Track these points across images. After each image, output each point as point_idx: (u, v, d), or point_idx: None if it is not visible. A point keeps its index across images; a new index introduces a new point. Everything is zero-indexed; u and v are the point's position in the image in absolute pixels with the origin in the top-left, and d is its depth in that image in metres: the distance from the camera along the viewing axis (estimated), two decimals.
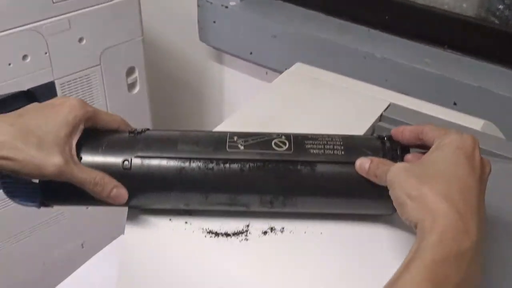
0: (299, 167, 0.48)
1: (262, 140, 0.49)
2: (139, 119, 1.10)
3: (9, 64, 0.87)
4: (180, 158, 0.48)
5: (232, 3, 1.12)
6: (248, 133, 0.50)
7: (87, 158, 0.48)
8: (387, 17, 1.04)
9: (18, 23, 0.86)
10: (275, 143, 0.49)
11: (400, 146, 0.49)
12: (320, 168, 0.48)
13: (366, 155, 0.48)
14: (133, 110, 1.07)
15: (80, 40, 0.94)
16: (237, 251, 0.48)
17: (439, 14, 0.99)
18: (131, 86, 1.05)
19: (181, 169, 0.48)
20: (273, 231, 0.50)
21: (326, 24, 1.07)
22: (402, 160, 0.48)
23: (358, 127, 0.61)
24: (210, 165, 0.48)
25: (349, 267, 0.47)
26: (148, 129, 0.51)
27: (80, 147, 0.48)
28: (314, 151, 0.48)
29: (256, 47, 1.12)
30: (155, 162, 0.48)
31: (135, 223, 0.51)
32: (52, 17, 0.89)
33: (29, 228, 1.02)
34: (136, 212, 0.52)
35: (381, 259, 0.48)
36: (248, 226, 0.50)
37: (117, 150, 0.48)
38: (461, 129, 0.61)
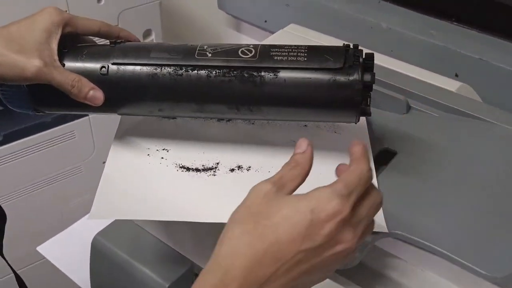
0: (262, 73, 0.50)
1: (230, 49, 0.52)
2: None
3: None
4: (152, 65, 0.52)
5: None
6: (218, 44, 0.53)
7: (69, 64, 0.53)
8: None
9: None
10: (242, 51, 0.52)
11: (364, 54, 0.50)
12: (283, 74, 0.50)
13: (327, 61, 0.49)
14: None
15: (99, 0, 0.99)
16: (204, 184, 0.52)
17: None
18: None
19: (153, 74, 0.52)
20: (240, 169, 0.54)
21: None
22: (364, 69, 0.49)
23: None
24: (180, 71, 0.52)
25: None
26: (127, 41, 0.56)
27: (62, 55, 0.53)
28: (278, 58, 0.50)
29: (271, 15, 1.15)
30: (129, 68, 0.53)
31: (118, 152, 0.56)
32: None
33: (48, 178, 1.10)
34: (119, 147, 0.57)
35: None
36: (217, 163, 0.55)
37: (96, 58, 0.53)
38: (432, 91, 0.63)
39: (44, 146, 1.06)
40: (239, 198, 0.43)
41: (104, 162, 1.17)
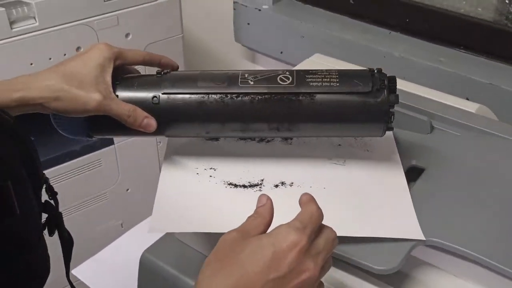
0: (300, 97, 0.56)
1: (269, 76, 0.58)
2: None
3: (64, 55, 0.99)
4: (199, 93, 0.57)
5: (264, 6, 1.22)
6: (257, 71, 0.59)
7: (122, 95, 0.58)
8: (407, 20, 1.11)
9: (74, 18, 0.98)
10: (280, 78, 0.57)
11: (387, 77, 0.57)
12: (319, 97, 0.56)
13: (357, 85, 0.56)
14: None
15: (127, 35, 1.05)
16: (251, 199, 0.57)
17: (455, 17, 1.06)
18: None
19: (201, 102, 0.57)
20: (283, 185, 0.59)
21: (350, 26, 1.15)
22: (389, 90, 0.56)
23: None
24: (226, 98, 0.57)
25: (347, 215, 0.55)
26: (171, 70, 0.61)
27: (115, 87, 0.58)
28: (314, 84, 0.56)
29: (286, 46, 1.21)
30: (179, 97, 0.58)
31: (169, 171, 0.61)
32: (102, 14, 1.01)
33: (74, 205, 1.14)
34: (169, 167, 0.61)
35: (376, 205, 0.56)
36: (262, 180, 0.59)
37: (147, 88, 0.58)
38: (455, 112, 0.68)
39: (73, 174, 1.11)
40: (285, 212, 0.47)
41: (128, 190, 1.22)
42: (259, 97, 0.57)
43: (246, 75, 0.58)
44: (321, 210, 0.46)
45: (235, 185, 0.59)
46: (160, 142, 1.21)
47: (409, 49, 1.07)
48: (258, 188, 0.59)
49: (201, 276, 0.44)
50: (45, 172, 1.09)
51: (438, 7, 1.08)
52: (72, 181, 1.11)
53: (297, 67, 0.79)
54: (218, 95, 0.57)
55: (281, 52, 1.23)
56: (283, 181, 0.59)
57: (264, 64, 1.34)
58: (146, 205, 1.08)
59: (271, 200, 0.48)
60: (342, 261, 0.54)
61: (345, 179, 0.60)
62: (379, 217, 0.56)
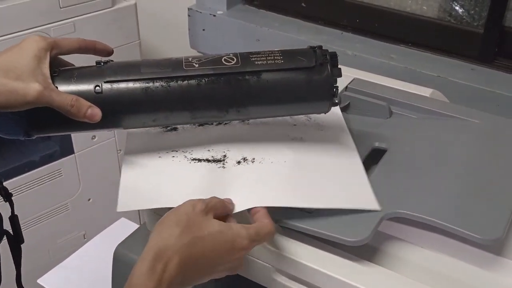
0: (247, 77, 0.57)
1: (213, 59, 0.58)
2: None
3: None
4: (144, 80, 0.56)
5: (219, 12, 1.25)
6: (202, 55, 0.59)
7: (62, 86, 0.56)
8: (357, 20, 1.16)
9: (30, 25, 0.97)
10: (225, 59, 0.58)
11: (329, 52, 0.59)
12: (265, 76, 0.57)
13: (301, 61, 0.57)
14: None
15: None
16: (216, 173, 0.59)
17: (403, 16, 1.12)
18: None
19: (146, 88, 0.56)
20: (245, 161, 0.60)
21: (304, 28, 1.19)
22: (332, 64, 0.58)
23: None
24: (171, 83, 0.56)
25: (307, 188, 0.58)
26: (112, 60, 0.59)
27: (54, 79, 0.55)
28: (258, 62, 0.57)
29: (242, 50, 1.23)
30: (123, 85, 0.56)
31: (131, 160, 0.61)
32: (59, 21, 1.00)
33: (36, 216, 1.11)
34: (131, 157, 0.61)
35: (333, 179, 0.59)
36: (225, 156, 0.61)
37: (88, 78, 0.56)
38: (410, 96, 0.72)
39: (33, 185, 1.09)
40: (249, 185, 0.54)
41: (89, 199, 1.21)
42: (206, 79, 0.56)
43: (190, 59, 0.58)
44: (272, 223, 0.53)
45: (199, 160, 0.60)
46: (120, 150, 1.21)
47: (361, 48, 1.11)
48: (221, 164, 0.60)
49: (158, 235, 0.49)
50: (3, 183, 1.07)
51: (386, 7, 1.14)
52: (31, 193, 1.09)
53: None
54: (164, 81, 0.56)
55: None
56: (245, 157, 0.61)
57: None
58: (108, 214, 1.07)
59: (233, 205, 0.55)
60: (314, 236, 0.56)
61: (303, 154, 0.62)
62: (336, 189, 0.59)
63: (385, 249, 0.59)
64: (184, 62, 0.58)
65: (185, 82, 0.57)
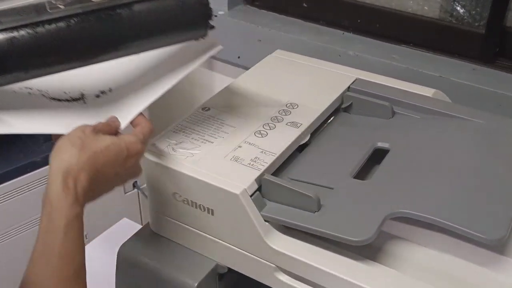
0: (118, 10, 0.55)
1: None
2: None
3: None
4: (6, 29, 0.51)
5: (220, 12, 1.25)
6: None
7: None
8: (358, 20, 1.16)
9: None
10: None
11: None
12: (137, 7, 0.55)
13: None
14: None
15: None
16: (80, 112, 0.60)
17: (404, 16, 1.12)
18: None
19: (12, 38, 0.51)
20: (103, 94, 0.61)
21: (305, 29, 1.19)
22: None
23: (329, 95, 0.72)
24: (38, 28, 0.52)
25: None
26: None
27: None
28: None
29: (243, 51, 1.24)
30: None
31: None
32: None
33: (37, 218, 1.11)
34: None
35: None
36: (82, 95, 0.61)
37: None
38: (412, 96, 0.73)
39: (35, 186, 1.09)
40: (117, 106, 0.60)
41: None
42: (75, 19, 0.52)
43: (54, 1, 0.54)
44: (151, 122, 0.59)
45: (59, 99, 0.59)
46: None
47: (362, 48, 1.11)
48: (82, 101, 0.60)
49: (59, 159, 0.51)
50: (5, 184, 1.07)
51: (387, 7, 1.14)
52: (33, 193, 1.09)
53: (259, 65, 0.82)
54: (29, 27, 0.51)
55: (238, 57, 1.25)
56: (102, 90, 0.61)
57: (222, 71, 1.36)
58: (109, 215, 1.07)
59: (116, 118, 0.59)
60: (317, 236, 0.56)
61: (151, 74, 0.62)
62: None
63: (388, 248, 0.59)
64: (48, 5, 0.54)
65: (53, 25, 0.52)
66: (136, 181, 1.26)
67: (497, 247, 0.57)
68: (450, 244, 0.58)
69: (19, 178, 1.06)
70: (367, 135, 0.68)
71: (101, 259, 0.90)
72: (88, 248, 0.96)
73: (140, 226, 0.87)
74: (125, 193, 1.26)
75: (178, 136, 0.65)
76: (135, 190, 1.27)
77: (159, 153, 0.63)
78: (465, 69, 1.03)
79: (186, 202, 0.61)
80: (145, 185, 1.28)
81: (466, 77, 1.00)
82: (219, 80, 1.38)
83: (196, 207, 0.61)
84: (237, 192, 0.57)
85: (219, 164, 0.61)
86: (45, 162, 1.09)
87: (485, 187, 0.59)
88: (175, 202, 0.62)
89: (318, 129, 0.70)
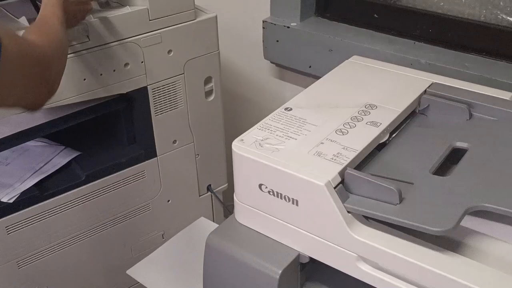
0: None
1: None
2: (213, 124, 1.26)
3: (114, 70, 1.06)
4: None
5: (293, 24, 1.30)
6: None
7: None
8: (430, 30, 1.18)
9: (122, 36, 1.05)
10: None
11: None
12: None
13: None
14: (208, 115, 1.24)
15: (169, 52, 1.12)
16: None
17: (476, 25, 1.13)
18: (208, 93, 1.23)
19: None
20: None
21: (376, 39, 1.22)
22: None
23: (407, 97, 0.75)
24: None
25: None
26: None
27: None
28: None
29: (315, 60, 1.28)
30: None
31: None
32: (147, 32, 1.08)
33: (120, 216, 1.19)
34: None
35: None
36: None
37: None
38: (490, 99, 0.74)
39: (119, 185, 1.16)
40: None
41: (169, 201, 1.27)
42: None
43: None
44: None
45: None
46: (198, 155, 1.27)
47: (434, 57, 1.13)
48: None
49: None
50: (92, 184, 1.15)
51: (459, 16, 1.15)
52: (118, 192, 1.16)
53: (336, 69, 0.86)
54: None
55: (310, 67, 1.30)
56: None
57: (292, 80, 1.41)
58: (185, 216, 1.13)
59: None
60: (398, 227, 0.59)
61: None
62: None
63: (468, 242, 0.61)
64: None
65: None
66: (210, 185, 1.32)
67: None
68: None
69: (106, 178, 1.13)
70: (445, 135, 0.71)
71: (182, 252, 0.96)
72: (170, 243, 1.02)
73: (217, 225, 0.92)
74: (200, 196, 1.32)
75: (263, 133, 0.70)
76: (209, 193, 1.32)
77: (247, 148, 0.67)
78: None
79: (271, 193, 0.65)
80: (218, 188, 1.34)
81: None
82: (290, 90, 1.42)
83: (281, 198, 0.65)
84: (322, 183, 0.61)
85: (304, 158, 0.65)
86: (128, 163, 1.16)
87: None
88: (261, 194, 0.67)
89: (396, 129, 0.73)
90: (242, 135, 0.70)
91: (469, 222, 0.62)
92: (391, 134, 0.71)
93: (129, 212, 1.21)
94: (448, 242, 0.60)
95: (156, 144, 1.18)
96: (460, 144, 0.69)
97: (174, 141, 1.21)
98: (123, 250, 1.23)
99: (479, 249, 0.60)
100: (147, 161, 1.19)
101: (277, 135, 0.69)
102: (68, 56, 1.00)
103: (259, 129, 0.71)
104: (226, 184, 1.36)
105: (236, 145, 0.68)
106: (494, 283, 0.53)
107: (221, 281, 0.71)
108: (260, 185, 0.66)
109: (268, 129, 0.70)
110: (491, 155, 0.66)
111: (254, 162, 0.66)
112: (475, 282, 0.54)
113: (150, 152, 1.18)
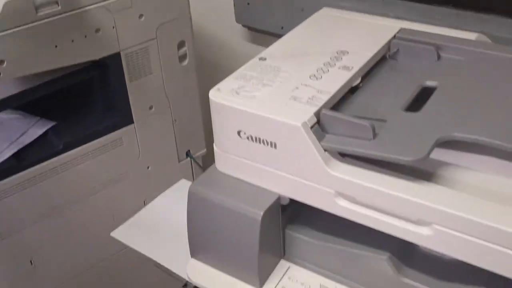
0: None
1: None
2: (189, 89, 1.27)
3: (85, 36, 1.05)
4: None
5: None
6: None
7: None
8: None
9: (92, 1, 1.04)
10: None
11: None
12: None
13: None
14: (183, 80, 1.25)
15: (140, 16, 1.12)
16: None
17: None
18: (182, 58, 1.23)
19: None
20: None
21: None
22: None
23: (377, 43, 0.77)
24: None
25: None
26: None
27: None
28: None
29: (286, 21, 1.29)
30: None
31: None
32: None
33: (99, 184, 1.19)
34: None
35: None
36: None
37: None
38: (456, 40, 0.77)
39: (97, 154, 1.16)
40: None
41: (148, 167, 1.28)
42: None
43: None
44: None
45: None
46: (175, 120, 1.28)
47: (403, 11, 1.15)
48: None
49: None
50: (69, 153, 1.14)
51: None
52: (96, 161, 1.17)
53: (307, 21, 0.87)
54: None
55: (282, 28, 1.31)
56: None
57: (265, 43, 1.42)
58: (165, 181, 1.14)
59: None
60: (375, 163, 0.61)
61: None
62: None
63: (441, 173, 0.64)
64: None
65: None
66: (189, 150, 1.33)
67: None
68: (502, 166, 0.62)
69: (83, 146, 1.14)
70: (415, 76, 0.73)
71: (165, 213, 0.98)
72: (152, 205, 1.03)
73: None
74: (179, 161, 1.33)
75: (239, 82, 0.71)
76: (188, 158, 1.33)
77: (224, 96, 0.68)
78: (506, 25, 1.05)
79: (250, 139, 0.67)
80: (198, 153, 1.35)
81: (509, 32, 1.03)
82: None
83: (259, 143, 0.66)
84: (299, 124, 0.62)
85: (280, 102, 0.66)
86: (105, 131, 1.16)
87: None
88: (239, 140, 0.68)
89: (368, 74, 0.75)
90: (218, 84, 0.71)
91: (441, 155, 0.64)
92: (363, 78, 0.73)
93: (109, 180, 1.21)
94: (422, 174, 0.62)
95: (132, 110, 1.19)
96: (429, 83, 0.71)
97: (151, 107, 1.21)
98: (106, 218, 1.23)
99: (452, 179, 0.63)
100: (124, 128, 1.19)
101: (252, 83, 0.70)
102: (39, 23, 0.99)
103: (235, 78, 0.72)
104: (205, 150, 1.37)
105: (213, 93, 0.69)
106: (469, 208, 0.56)
107: (205, 228, 0.73)
108: (238, 132, 0.68)
109: (244, 78, 0.72)
110: (459, 91, 0.69)
111: (232, 109, 0.67)
112: (451, 207, 0.56)
113: (126, 119, 1.19)
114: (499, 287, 0.60)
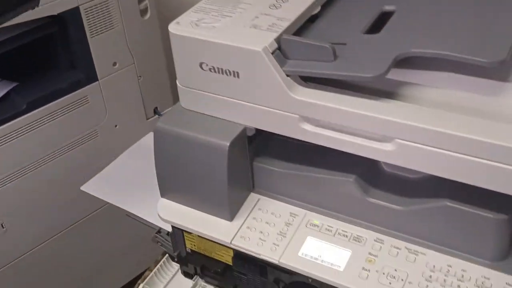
0: None
1: None
2: (152, 44, 1.25)
3: None
4: None
5: None
6: None
7: None
8: None
9: None
10: None
11: None
12: None
13: None
14: (146, 34, 1.23)
15: None
16: None
17: None
18: (143, 12, 1.21)
19: None
20: None
21: None
22: None
23: None
24: None
25: None
26: None
27: None
28: None
29: None
30: None
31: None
32: None
33: (67, 144, 1.18)
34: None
35: None
36: None
37: None
38: None
39: (62, 113, 1.15)
40: None
41: (116, 126, 1.27)
42: None
43: None
44: None
45: None
46: (140, 76, 1.26)
47: None
48: None
49: None
50: (33, 112, 1.13)
51: None
52: (62, 120, 1.15)
53: None
54: None
55: None
56: None
57: None
58: (135, 139, 1.14)
59: None
60: (337, 84, 0.61)
61: None
62: None
63: (401, 92, 0.65)
64: None
65: None
66: (156, 107, 1.32)
67: (502, 74, 0.62)
68: (458, 81, 0.64)
69: (47, 106, 1.12)
70: (373, 2, 0.73)
71: (135, 164, 0.97)
72: (121, 157, 1.03)
73: None
74: (147, 119, 1.32)
75: (198, 15, 0.70)
76: (156, 116, 1.33)
77: (184, 29, 0.68)
78: None
79: (212, 70, 0.67)
80: (165, 110, 1.35)
81: None
82: None
83: (222, 73, 0.66)
84: (259, 49, 0.62)
85: (240, 31, 0.66)
86: (69, 89, 1.15)
87: (486, 20, 0.64)
88: (202, 73, 0.68)
89: (327, 3, 0.75)
90: (177, 18, 0.70)
91: (400, 75, 0.65)
92: (322, 7, 0.73)
93: (77, 139, 1.20)
94: (383, 93, 0.63)
95: (96, 67, 1.17)
96: (388, 8, 0.72)
97: (114, 63, 1.20)
98: (76, 177, 1.22)
99: (412, 96, 0.64)
100: (88, 86, 1.17)
101: (212, 15, 0.70)
102: None
103: (194, 12, 0.71)
104: None
105: (172, 27, 0.68)
106: (429, 119, 0.57)
107: (174, 165, 0.73)
108: (200, 64, 0.67)
109: (203, 11, 0.71)
110: (416, 13, 0.70)
111: (192, 40, 0.67)
112: (411, 120, 0.57)
113: (90, 76, 1.17)
114: (459, 198, 0.63)
